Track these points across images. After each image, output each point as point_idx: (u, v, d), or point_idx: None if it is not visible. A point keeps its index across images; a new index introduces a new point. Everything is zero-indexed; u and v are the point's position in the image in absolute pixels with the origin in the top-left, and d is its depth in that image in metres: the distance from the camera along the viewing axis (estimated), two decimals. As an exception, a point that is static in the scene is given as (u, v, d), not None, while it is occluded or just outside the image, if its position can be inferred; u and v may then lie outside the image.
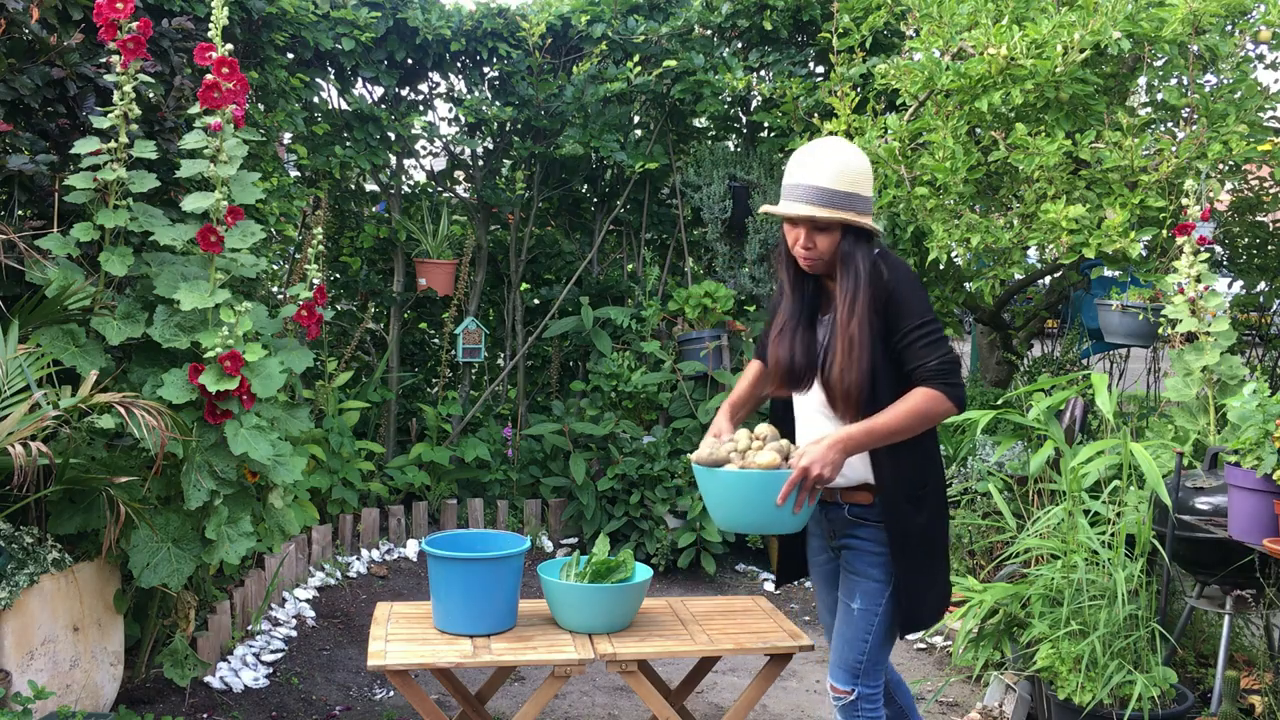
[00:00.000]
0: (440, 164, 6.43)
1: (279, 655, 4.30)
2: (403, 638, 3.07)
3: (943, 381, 2.56)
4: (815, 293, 2.75)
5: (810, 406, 2.75)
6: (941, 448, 5.14)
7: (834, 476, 2.51)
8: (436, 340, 6.61)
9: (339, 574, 5.21)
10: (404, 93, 6.09)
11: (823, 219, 2.57)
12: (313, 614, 4.76)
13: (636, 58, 5.77)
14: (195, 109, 3.59)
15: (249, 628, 4.41)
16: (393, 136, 5.96)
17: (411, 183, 6.39)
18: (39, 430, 3.07)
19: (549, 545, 5.77)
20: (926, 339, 2.58)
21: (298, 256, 5.77)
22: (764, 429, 2.67)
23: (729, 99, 5.99)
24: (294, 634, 4.55)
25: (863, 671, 2.71)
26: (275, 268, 5.80)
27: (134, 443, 3.43)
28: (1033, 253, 5.59)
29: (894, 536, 2.66)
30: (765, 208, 2.69)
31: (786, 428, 2.85)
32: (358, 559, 5.40)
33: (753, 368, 2.93)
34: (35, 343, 3.33)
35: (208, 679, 3.96)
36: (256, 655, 4.25)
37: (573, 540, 5.83)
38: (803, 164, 2.62)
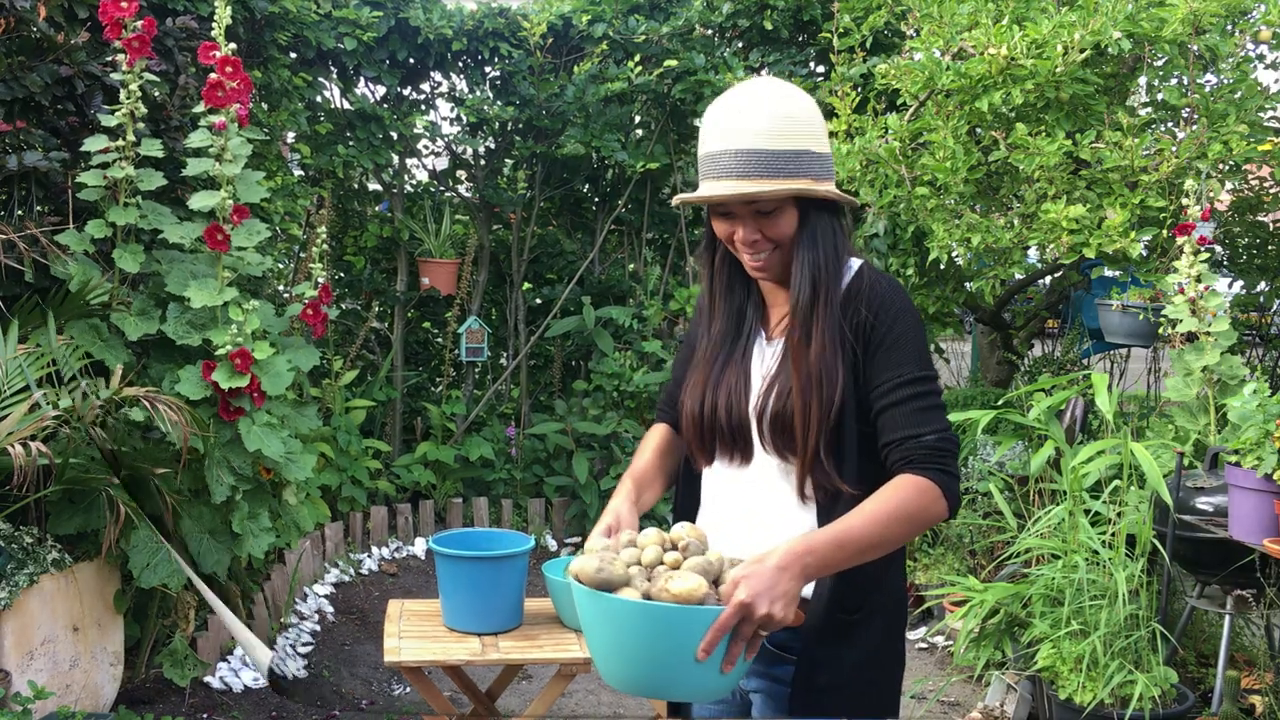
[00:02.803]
0: (442, 163, 6.44)
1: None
2: (415, 635, 3.09)
3: (940, 469, 1.69)
4: (753, 308, 1.89)
5: (750, 483, 1.85)
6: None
7: (789, 616, 1.56)
8: (440, 339, 6.62)
9: (352, 571, 5.24)
10: (406, 92, 6.10)
11: (768, 195, 1.69)
12: (331, 609, 4.80)
13: (637, 57, 5.77)
14: (200, 108, 3.60)
15: (281, 620, 4.44)
16: (395, 136, 5.97)
17: (414, 182, 6.41)
18: (39, 430, 3.09)
19: (553, 544, 5.78)
20: (925, 399, 1.72)
21: (302, 255, 5.78)
22: (684, 531, 1.67)
23: (730, 99, 5.99)
24: (317, 628, 4.58)
25: None
26: (281, 266, 5.82)
27: (161, 436, 3.47)
28: (1033, 253, 5.59)
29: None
30: (680, 197, 1.86)
31: (693, 515, 1.95)
32: (369, 556, 5.43)
33: (658, 432, 2.02)
34: (69, 335, 3.40)
35: (207, 679, 3.96)
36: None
37: (577, 539, 5.84)
38: (723, 123, 1.72)
